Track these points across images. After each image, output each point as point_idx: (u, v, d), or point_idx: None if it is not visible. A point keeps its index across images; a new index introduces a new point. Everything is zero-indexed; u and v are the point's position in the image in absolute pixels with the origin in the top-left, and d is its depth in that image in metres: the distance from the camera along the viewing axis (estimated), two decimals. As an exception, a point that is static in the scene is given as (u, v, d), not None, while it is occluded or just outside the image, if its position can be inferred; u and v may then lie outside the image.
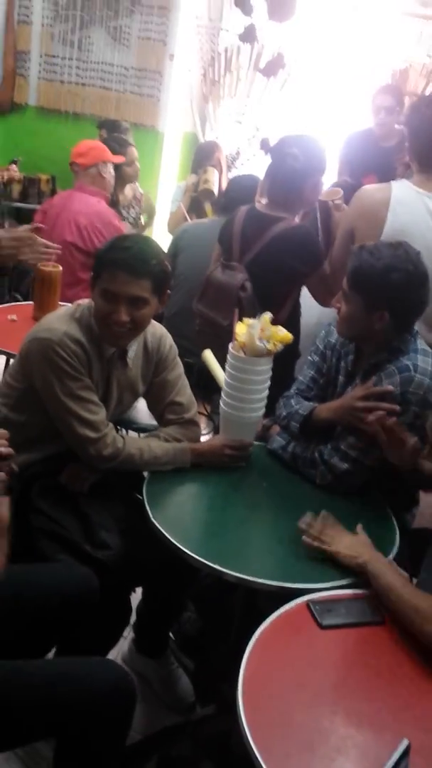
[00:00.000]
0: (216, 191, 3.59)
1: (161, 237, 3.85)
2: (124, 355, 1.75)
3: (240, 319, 1.75)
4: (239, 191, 2.59)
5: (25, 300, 2.99)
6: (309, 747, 1.05)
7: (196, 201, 3.71)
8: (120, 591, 1.68)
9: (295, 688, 1.15)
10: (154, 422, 1.94)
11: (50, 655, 1.55)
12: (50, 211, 3.08)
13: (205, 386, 2.11)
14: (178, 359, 1.87)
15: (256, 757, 1.01)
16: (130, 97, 4.61)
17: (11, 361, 2.15)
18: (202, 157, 3.75)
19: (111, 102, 4.65)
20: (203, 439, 1.88)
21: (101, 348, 1.70)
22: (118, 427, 2.05)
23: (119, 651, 1.94)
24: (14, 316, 2.58)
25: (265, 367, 1.72)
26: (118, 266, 1.59)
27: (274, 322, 1.74)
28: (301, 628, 1.28)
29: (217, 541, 1.52)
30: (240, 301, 2.03)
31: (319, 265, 2.08)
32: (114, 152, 3.29)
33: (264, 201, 2.16)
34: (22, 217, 4.42)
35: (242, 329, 1.71)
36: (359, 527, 1.50)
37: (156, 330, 1.84)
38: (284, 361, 1.88)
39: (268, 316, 1.73)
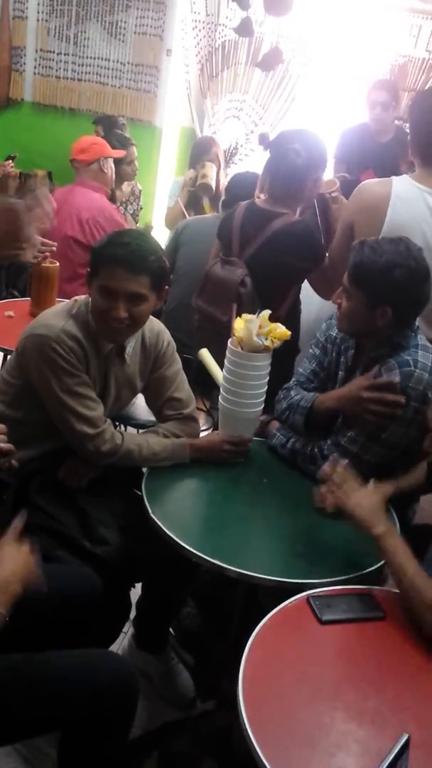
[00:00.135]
0: (214, 186, 3.58)
1: (158, 232, 3.84)
2: (121, 352, 1.75)
3: (239, 315, 1.74)
4: (241, 188, 2.57)
5: (22, 296, 2.98)
6: (309, 742, 1.05)
7: (193, 196, 3.70)
8: (119, 587, 1.68)
9: (295, 684, 1.15)
10: (152, 418, 1.94)
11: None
12: None
13: (204, 382, 2.10)
14: (176, 355, 1.87)
15: (257, 753, 1.01)
16: (127, 93, 4.60)
17: (8, 357, 2.15)
18: (199, 152, 3.74)
19: (107, 97, 4.63)
20: (202, 434, 1.87)
21: (98, 344, 1.69)
22: (117, 423, 2.04)
23: (119, 647, 1.94)
24: (11, 313, 2.57)
25: (264, 363, 1.72)
26: (117, 262, 1.58)
27: (274, 318, 1.73)
28: (301, 624, 1.28)
29: (216, 536, 1.52)
30: (240, 297, 2.02)
31: (320, 261, 2.08)
32: (114, 148, 3.29)
33: (263, 196, 2.15)
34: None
35: (240, 325, 1.70)
36: (372, 481, 1.47)
37: (154, 326, 1.83)
38: (284, 357, 1.88)
39: (266, 312, 1.72)
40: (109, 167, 3.16)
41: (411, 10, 4.13)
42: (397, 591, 1.32)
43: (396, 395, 1.56)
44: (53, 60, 4.63)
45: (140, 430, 1.90)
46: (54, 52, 4.61)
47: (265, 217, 2.09)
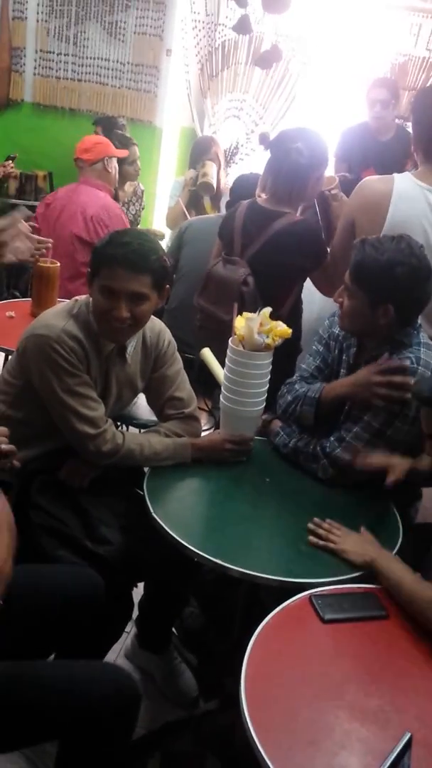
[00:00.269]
0: (215, 185, 3.58)
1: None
2: (122, 351, 1.74)
3: (240, 314, 1.74)
4: (246, 188, 2.57)
5: (23, 296, 2.98)
6: (312, 741, 1.04)
7: (194, 196, 3.70)
8: (122, 586, 1.67)
9: (298, 683, 1.14)
10: (154, 418, 1.94)
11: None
12: (54, 203, 3.08)
13: (205, 381, 2.10)
14: (177, 354, 1.87)
15: (260, 752, 1.01)
16: (127, 93, 4.60)
17: (9, 357, 2.15)
18: (199, 152, 3.74)
19: (107, 98, 4.64)
20: (204, 434, 1.87)
21: (99, 344, 1.69)
22: (119, 423, 2.04)
23: (122, 647, 1.94)
24: (12, 313, 2.57)
25: (265, 362, 1.72)
26: (118, 262, 1.58)
27: (276, 317, 1.73)
28: (303, 623, 1.27)
29: (218, 535, 1.52)
30: (242, 296, 2.02)
31: (322, 260, 2.07)
32: (116, 148, 3.29)
33: (264, 196, 2.15)
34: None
35: (241, 323, 1.70)
36: (363, 528, 1.51)
37: (155, 325, 1.83)
38: (285, 356, 1.88)
39: (267, 310, 1.72)
40: (113, 167, 3.17)
41: (411, 8, 4.12)
42: None
43: (405, 377, 1.56)
44: (53, 60, 4.63)
45: (142, 430, 1.90)
46: (54, 53, 4.61)
47: (267, 217, 2.09)
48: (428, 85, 4.15)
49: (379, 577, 1.37)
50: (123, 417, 2.16)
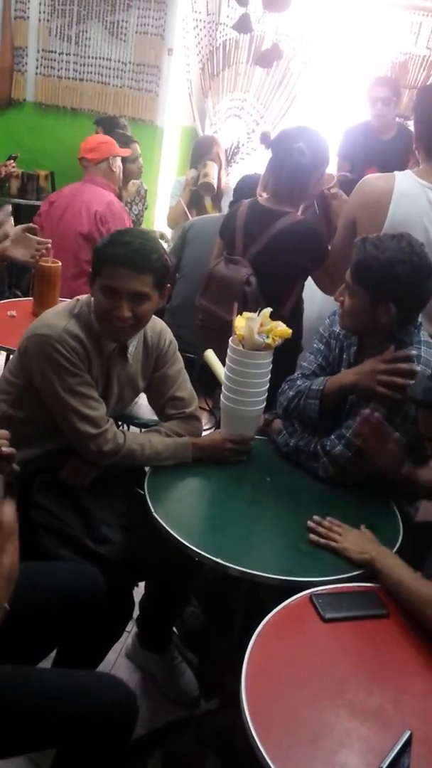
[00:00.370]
0: (216, 185, 3.58)
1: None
2: (124, 351, 1.75)
3: (241, 313, 1.74)
4: (250, 188, 2.57)
5: (24, 296, 2.99)
6: (313, 740, 1.05)
7: (195, 195, 3.70)
8: (123, 586, 1.68)
9: (298, 682, 1.15)
10: (155, 417, 1.94)
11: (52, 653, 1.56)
12: (58, 201, 3.08)
13: (206, 381, 2.10)
14: (179, 354, 1.87)
15: (260, 751, 1.01)
16: (129, 92, 4.60)
17: (11, 357, 2.15)
18: (200, 151, 3.74)
19: (109, 97, 4.64)
20: (204, 434, 1.87)
21: (101, 344, 1.69)
22: (120, 423, 2.04)
23: (123, 646, 1.94)
24: (14, 312, 2.57)
25: (265, 361, 1.72)
26: (119, 262, 1.58)
27: (277, 317, 1.73)
28: (304, 622, 1.27)
29: (219, 535, 1.52)
30: (245, 296, 2.02)
31: (324, 260, 2.07)
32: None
33: (265, 195, 2.15)
34: (21, 213, 4.41)
35: (241, 323, 1.70)
36: (363, 526, 1.51)
37: (156, 325, 1.83)
38: (286, 355, 1.87)
39: (267, 310, 1.72)
40: (118, 166, 3.17)
41: (411, 7, 4.12)
42: None
43: (411, 365, 1.56)
44: (55, 60, 4.64)
45: (143, 430, 1.90)
46: (56, 52, 4.62)
47: (269, 216, 2.09)
48: (429, 83, 4.15)
49: (378, 575, 1.37)
50: (124, 417, 2.16)
